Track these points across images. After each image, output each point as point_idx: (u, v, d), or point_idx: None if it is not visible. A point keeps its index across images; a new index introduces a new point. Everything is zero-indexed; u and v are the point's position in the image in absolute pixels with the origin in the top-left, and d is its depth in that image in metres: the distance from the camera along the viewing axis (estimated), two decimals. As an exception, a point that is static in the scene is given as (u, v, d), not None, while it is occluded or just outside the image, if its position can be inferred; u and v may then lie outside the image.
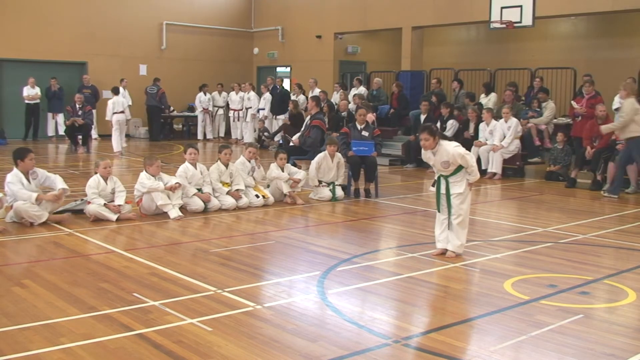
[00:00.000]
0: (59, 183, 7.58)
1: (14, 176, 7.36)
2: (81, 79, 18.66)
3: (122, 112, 15.47)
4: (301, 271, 5.65)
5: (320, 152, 9.72)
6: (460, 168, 6.05)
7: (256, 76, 22.25)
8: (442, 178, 6.13)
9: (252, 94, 18.61)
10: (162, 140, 19.01)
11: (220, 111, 20.02)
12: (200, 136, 19.66)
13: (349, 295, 4.97)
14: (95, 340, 3.91)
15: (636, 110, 9.79)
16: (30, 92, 17.51)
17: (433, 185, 6.33)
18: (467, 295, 5.09)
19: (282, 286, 5.18)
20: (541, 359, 3.80)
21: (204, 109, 19.58)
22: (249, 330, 4.13)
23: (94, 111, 17.37)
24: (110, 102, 15.42)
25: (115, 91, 15.78)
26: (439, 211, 6.21)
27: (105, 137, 18.79)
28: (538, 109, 12.94)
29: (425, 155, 6.22)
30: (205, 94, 19.58)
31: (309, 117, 11.62)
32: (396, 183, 11.73)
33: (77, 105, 15.58)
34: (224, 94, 20.00)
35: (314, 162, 9.45)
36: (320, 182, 9.41)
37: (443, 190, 6.13)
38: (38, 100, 17.71)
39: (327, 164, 9.44)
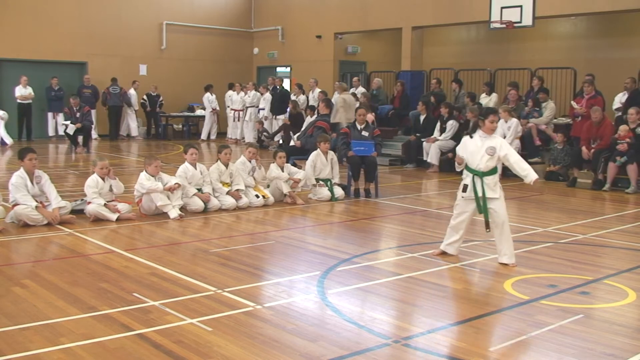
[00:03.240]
0: (52, 198, 7.36)
1: (18, 177, 7.25)
2: (82, 79, 18.63)
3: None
4: (301, 271, 5.65)
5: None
6: (495, 170, 5.86)
7: (256, 76, 22.25)
8: (476, 179, 5.82)
9: (253, 92, 18.59)
10: (163, 140, 19.02)
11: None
12: (204, 136, 19.60)
13: (349, 295, 4.97)
14: (95, 340, 3.91)
15: (343, 103, 12.94)
16: (23, 91, 17.38)
17: (464, 191, 5.93)
18: (467, 295, 5.09)
19: (282, 286, 5.18)
20: (541, 359, 3.80)
21: (213, 109, 19.52)
22: (249, 330, 4.13)
23: (93, 111, 17.35)
24: None
25: None
26: (487, 228, 5.87)
27: (105, 137, 18.86)
28: (537, 109, 12.92)
29: (471, 142, 5.88)
30: (211, 94, 19.50)
31: (315, 117, 11.58)
32: (396, 183, 11.73)
33: (74, 108, 15.56)
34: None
35: (308, 161, 9.49)
36: (317, 180, 9.41)
37: (480, 192, 5.81)
38: (30, 100, 17.56)
39: (322, 161, 9.46)
